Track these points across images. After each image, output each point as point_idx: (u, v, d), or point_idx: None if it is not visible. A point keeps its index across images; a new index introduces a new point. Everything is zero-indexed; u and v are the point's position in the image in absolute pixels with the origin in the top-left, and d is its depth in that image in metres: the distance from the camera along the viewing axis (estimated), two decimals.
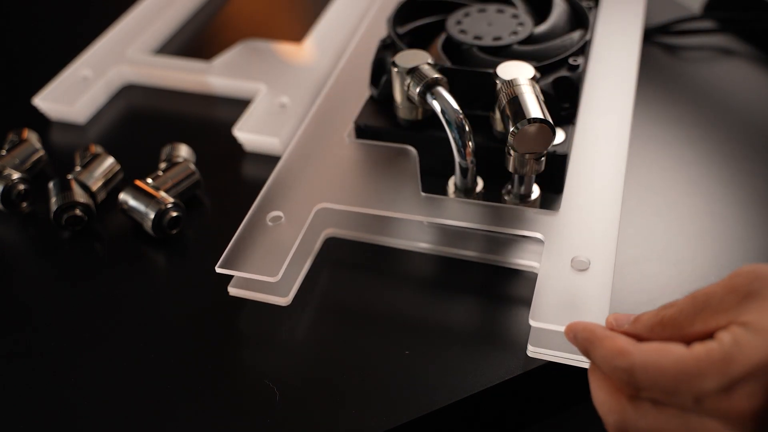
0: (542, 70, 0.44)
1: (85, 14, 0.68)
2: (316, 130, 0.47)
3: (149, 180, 0.45)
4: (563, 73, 0.44)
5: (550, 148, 0.40)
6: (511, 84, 0.39)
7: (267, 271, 0.39)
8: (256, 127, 0.51)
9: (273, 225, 0.41)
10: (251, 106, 0.53)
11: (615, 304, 0.40)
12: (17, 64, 0.62)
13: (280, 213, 0.42)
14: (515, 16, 0.48)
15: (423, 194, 0.43)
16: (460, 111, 0.40)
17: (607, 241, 0.39)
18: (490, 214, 0.41)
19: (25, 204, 0.47)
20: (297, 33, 0.62)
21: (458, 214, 0.41)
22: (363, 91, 0.48)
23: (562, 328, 0.34)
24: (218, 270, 0.40)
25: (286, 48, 0.58)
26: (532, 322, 0.36)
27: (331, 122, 0.47)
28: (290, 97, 0.53)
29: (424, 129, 0.45)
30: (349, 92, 0.46)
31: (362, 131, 0.46)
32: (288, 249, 0.40)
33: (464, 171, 0.41)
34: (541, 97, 0.39)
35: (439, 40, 0.47)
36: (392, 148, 0.45)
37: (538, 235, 0.40)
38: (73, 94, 0.55)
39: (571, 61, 0.45)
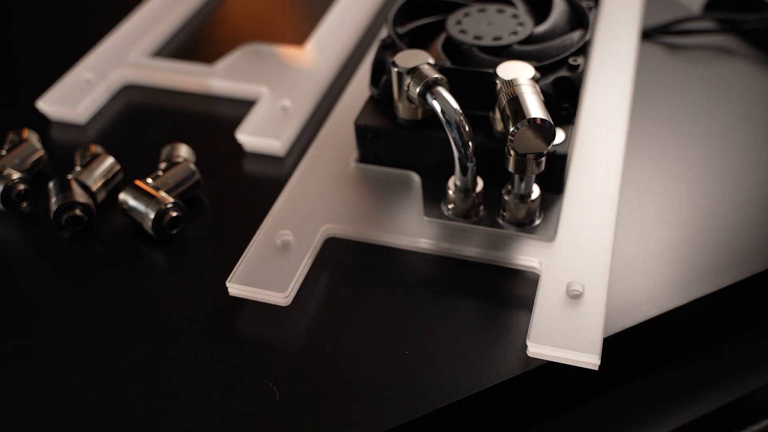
0: (542, 70, 0.44)
1: (89, 16, 0.68)
2: (322, 153, 0.48)
3: (149, 180, 0.45)
4: (563, 73, 0.44)
5: (550, 148, 0.40)
6: (511, 84, 0.39)
7: (277, 287, 0.40)
8: (257, 130, 0.51)
9: (282, 244, 0.42)
10: (253, 110, 0.53)
11: (615, 304, 0.40)
12: (17, 64, 0.62)
13: (288, 232, 0.43)
14: (515, 16, 0.48)
15: (426, 218, 0.43)
16: (460, 111, 0.40)
17: (601, 266, 0.40)
18: (489, 240, 0.42)
19: (25, 204, 0.47)
20: (299, 36, 0.62)
21: (459, 239, 0.42)
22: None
23: (558, 353, 0.36)
24: (229, 285, 0.40)
25: (288, 51, 0.59)
26: (529, 344, 0.36)
27: (337, 147, 0.48)
28: (292, 100, 0.53)
29: (424, 129, 0.45)
30: (353, 115, 0.47)
31: (362, 131, 0.46)
32: (297, 267, 0.41)
33: (464, 171, 0.41)
34: (541, 97, 0.39)
35: (439, 40, 0.47)
36: (396, 173, 0.46)
37: (536, 264, 0.41)
38: (75, 97, 0.55)
39: (571, 61, 0.45)
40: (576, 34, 0.47)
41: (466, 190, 0.42)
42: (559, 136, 0.43)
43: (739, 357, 0.43)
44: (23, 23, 0.68)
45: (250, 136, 0.51)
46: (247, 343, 0.39)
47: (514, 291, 0.41)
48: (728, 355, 0.43)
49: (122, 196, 0.45)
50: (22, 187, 0.47)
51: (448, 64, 0.46)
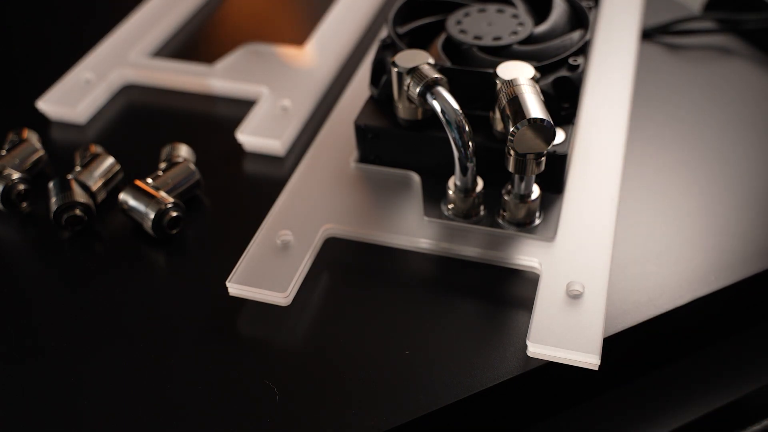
0: (542, 70, 0.44)
1: (89, 16, 0.68)
2: (322, 153, 0.48)
3: (149, 180, 0.45)
4: (563, 73, 0.44)
5: (550, 148, 0.40)
6: (511, 84, 0.39)
7: (277, 287, 0.40)
8: (257, 130, 0.51)
9: (282, 244, 0.42)
10: (253, 110, 0.53)
11: (615, 304, 0.40)
12: (17, 64, 0.62)
13: (288, 232, 0.42)
14: (515, 16, 0.48)
15: (426, 218, 0.43)
16: (460, 111, 0.40)
17: (601, 266, 0.40)
18: (489, 240, 0.42)
19: (25, 204, 0.47)
20: (299, 36, 0.62)
21: (459, 239, 0.42)
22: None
23: (558, 353, 0.36)
24: (229, 285, 0.40)
25: (288, 51, 0.59)
26: (529, 344, 0.36)
27: (337, 147, 0.48)
28: (292, 100, 0.53)
29: (424, 129, 0.45)
30: (353, 115, 0.47)
31: (362, 131, 0.46)
32: (297, 267, 0.41)
33: (464, 171, 0.41)
34: (541, 97, 0.39)
35: (439, 40, 0.47)
36: (396, 173, 0.46)
37: (536, 264, 0.41)
38: (75, 97, 0.55)
39: (571, 61, 0.45)
40: (576, 34, 0.47)
41: (466, 190, 0.42)
42: (559, 136, 0.43)
43: (739, 357, 0.43)
44: (23, 23, 0.68)
45: (250, 136, 0.51)
46: (247, 343, 0.39)
47: (514, 291, 0.41)
48: (728, 355, 0.43)
49: (122, 196, 0.45)
50: (22, 187, 0.47)
51: (448, 64, 0.46)
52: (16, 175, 0.46)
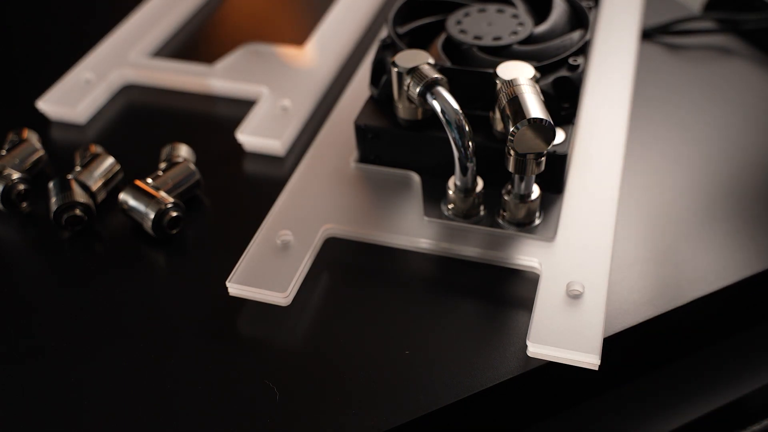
0: (542, 70, 0.44)
1: (89, 16, 0.68)
2: (322, 153, 0.48)
3: (149, 180, 0.45)
4: (563, 73, 0.44)
5: (550, 148, 0.40)
6: (511, 84, 0.39)
7: (277, 287, 0.40)
8: (257, 130, 0.51)
9: (282, 244, 0.42)
10: (253, 110, 0.53)
11: (615, 304, 0.40)
12: (17, 64, 0.62)
13: (288, 232, 0.42)
14: (515, 16, 0.48)
15: (426, 218, 0.43)
16: (460, 111, 0.40)
17: (601, 266, 0.40)
18: (489, 240, 0.42)
19: (25, 204, 0.47)
20: (299, 36, 0.62)
21: (459, 239, 0.42)
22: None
23: (558, 353, 0.36)
24: (229, 285, 0.40)
25: (288, 51, 0.59)
26: (529, 344, 0.36)
27: (337, 147, 0.48)
28: (292, 100, 0.53)
29: (424, 129, 0.45)
30: (353, 115, 0.47)
31: (362, 131, 0.46)
32: (297, 267, 0.41)
33: (464, 171, 0.41)
34: (541, 97, 0.39)
35: (439, 40, 0.47)
36: (396, 173, 0.46)
37: (536, 264, 0.41)
38: (75, 97, 0.55)
39: (571, 61, 0.45)
40: (576, 34, 0.47)
41: (466, 190, 0.42)
42: (559, 136, 0.43)
43: (739, 357, 0.43)
44: (23, 23, 0.68)
45: (250, 136, 0.51)
46: (247, 343, 0.39)
47: (514, 291, 0.41)
48: (728, 355, 0.43)
49: (122, 196, 0.45)
50: (22, 187, 0.47)
51: (448, 64, 0.46)
52: (16, 175, 0.46)
